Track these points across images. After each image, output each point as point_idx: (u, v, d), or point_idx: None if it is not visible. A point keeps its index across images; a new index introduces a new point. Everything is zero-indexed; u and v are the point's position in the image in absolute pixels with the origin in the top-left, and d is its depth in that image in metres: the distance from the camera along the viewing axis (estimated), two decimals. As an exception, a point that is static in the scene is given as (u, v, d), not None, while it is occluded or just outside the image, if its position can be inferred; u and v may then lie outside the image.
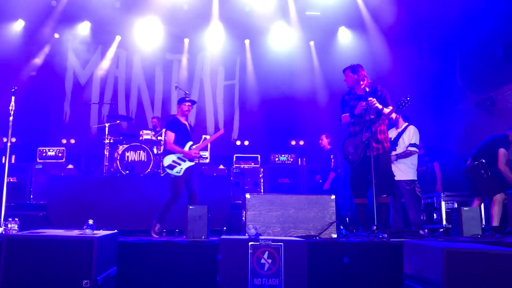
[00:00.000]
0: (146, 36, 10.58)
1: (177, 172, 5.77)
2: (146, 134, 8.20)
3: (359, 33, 10.34)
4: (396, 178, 5.42)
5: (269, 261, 3.36)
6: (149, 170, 7.68)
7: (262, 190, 8.69)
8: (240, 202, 6.80)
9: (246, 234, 3.63)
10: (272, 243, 3.39)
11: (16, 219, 4.61)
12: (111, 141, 8.07)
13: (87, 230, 3.43)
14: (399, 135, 6.17)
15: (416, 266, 3.38)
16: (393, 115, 5.36)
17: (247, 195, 4.55)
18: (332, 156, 8.16)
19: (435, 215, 6.32)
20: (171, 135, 5.90)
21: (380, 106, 5.09)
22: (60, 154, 8.62)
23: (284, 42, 10.70)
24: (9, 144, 4.72)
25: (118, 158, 7.75)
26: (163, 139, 7.97)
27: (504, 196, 5.74)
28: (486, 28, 8.07)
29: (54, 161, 8.54)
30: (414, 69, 9.39)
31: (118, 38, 10.76)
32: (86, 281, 3.18)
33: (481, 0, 8.16)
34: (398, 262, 3.78)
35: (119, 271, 3.84)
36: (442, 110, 9.01)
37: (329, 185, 8.03)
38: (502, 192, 5.76)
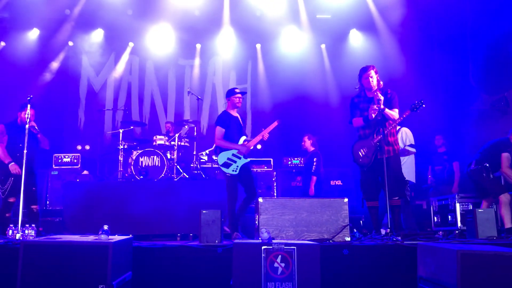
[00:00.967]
0: (158, 42, 10.70)
1: (233, 171, 5.60)
2: (160, 139, 8.27)
3: (370, 35, 10.31)
4: None
5: (282, 264, 3.37)
6: (163, 175, 7.73)
7: (275, 194, 8.69)
8: (253, 205, 6.82)
9: (259, 238, 3.64)
10: (285, 247, 3.40)
11: (33, 225, 4.69)
12: (125, 146, 8.15)
13: (103, 236, 3.47)
14: None
15: (431, 269, 3.36)
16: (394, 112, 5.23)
17: (260, 199, 4.56)
18: (315, 159, 7.90)
19: (449, 217, 6.25)
20: (220, 131, 5.72)
21: (390, 112, 5.05)
22: (75, 160, 8.73)
23: (295, 46, 10.72)
24: (25, 151, 4.79)
25: (132, 163, 7.82)
26: (176, 144, 8.05)
27: (509, 196, 5.71)
28: (499, 28, 7.99)
29: (70, 167, 8.67)
30: (426, 70, 9.33)
31: (131, 45, 10.89)
32: (102, 286, 3.22)
33: (494, 0, 8.09)
34: (412, 264, 3.77)
35: (134, 276, 3.89)
36: (456, 111, 8.93)
37: (313, 190, 7.84)
38: (506, 192, 5.73)
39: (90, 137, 10.35)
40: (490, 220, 4.73)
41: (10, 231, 4.67)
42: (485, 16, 8.28)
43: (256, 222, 4.63)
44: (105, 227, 3.53)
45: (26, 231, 4.53)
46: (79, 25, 10.27)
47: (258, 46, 11.05)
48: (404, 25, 9.56)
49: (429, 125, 6.95)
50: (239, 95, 5.87)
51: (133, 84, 11.04)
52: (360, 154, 5.24)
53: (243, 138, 5.83)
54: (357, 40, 10.60)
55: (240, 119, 5.96)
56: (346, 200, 4.58)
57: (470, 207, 6.05)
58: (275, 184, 8.76)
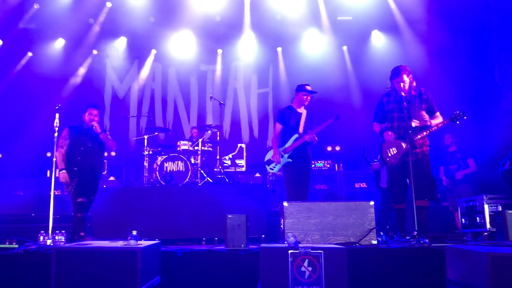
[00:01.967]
0: (180, 49, 10.85)
1: (270, 169, 5.69)
2: (184, 145, 8.37)
3: (392, 36, 10.21)
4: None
5: (310, 268, 3.37)
6: (187, 179, 7.81)
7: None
8: (278, 209, 6.82)
9: (285, 242, 3.65)
10: (312, 251, 3.40)
11: (63, 231, 4.79)
12: (150, 152, 8.26)
13: (131, 241, 3.53)
14: None
15: (460, 272, 3.31)
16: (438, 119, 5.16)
17: (285, 203, 4.57)
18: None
19: (478, 218, 6.13)
20: (277, 127, 5.77)
21: (437, 124, 4.97)
22: (101, 167, 8.86)
23: (316, 48, 10.71)
24: (54, 159, 4.92)
25: (157, 168, 7.93)
26: (199, 149, 8.11)
27: None
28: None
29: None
30: (451, 70, 9.18)
31: (153, 52, 11.06)
32: (131, 290, 3.28)
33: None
34: (441, 267, 3.72)
35: (163, 280, 3.94)
36: (482, 111, 8.76)
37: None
38: None
39: (115, 143, 10.49)
40: (521, 221, 4.62)
41: (41, 237, 4.78)
42: (511, 13, 8.11)
43: (281, 226, 4.64)
44: (134, 232, 3.59)
45: (57, 237, 4.63)
46: (103, 33, 10.48)
47: (279, 49, 11.07)
48: (427, 24, 9.45)
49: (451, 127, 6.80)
50: (307, 93, 5.86)
51: (156, 91, 11.21)
52: (389, 153, 5.12)
53: (295, 136, 5.80)
54: (379, 41, 10.51)
55: (304, 116, 5.88)
56: (372, 203, 4.56)
57: (500, 208, 5.92)
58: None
